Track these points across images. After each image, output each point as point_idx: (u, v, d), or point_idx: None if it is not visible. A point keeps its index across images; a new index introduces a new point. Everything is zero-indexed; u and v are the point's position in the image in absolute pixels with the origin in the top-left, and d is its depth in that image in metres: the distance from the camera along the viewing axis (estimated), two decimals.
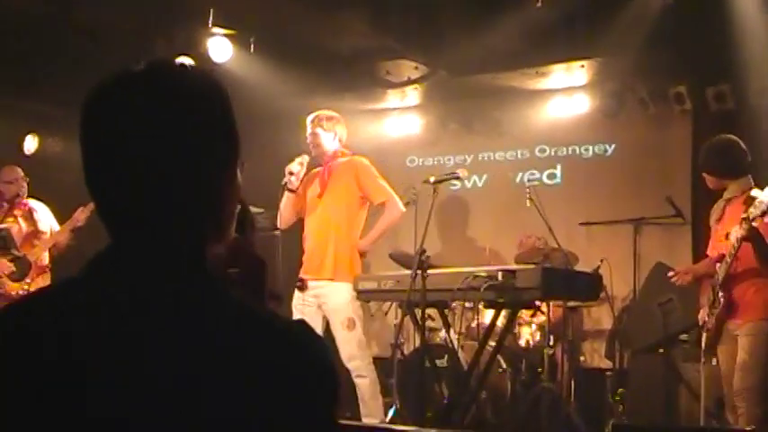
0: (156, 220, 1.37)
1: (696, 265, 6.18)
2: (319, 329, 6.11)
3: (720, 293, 5.41)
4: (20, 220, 7.77)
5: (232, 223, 1.48)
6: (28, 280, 7.55)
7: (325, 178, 6.56)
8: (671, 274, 5.97)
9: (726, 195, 5.66)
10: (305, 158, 6.57)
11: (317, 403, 1.32)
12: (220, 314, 1.33)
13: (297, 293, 6.46)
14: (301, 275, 6.47)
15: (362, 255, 6.56)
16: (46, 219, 7.87)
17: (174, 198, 1.37)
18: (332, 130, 6.58)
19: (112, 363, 1.27)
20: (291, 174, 6.51)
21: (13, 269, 7.55)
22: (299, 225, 6.68)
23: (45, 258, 7.77)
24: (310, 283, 6.40)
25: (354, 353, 6.22)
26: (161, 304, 1.32)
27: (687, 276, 5.89)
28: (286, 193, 6.57)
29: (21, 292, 7.28)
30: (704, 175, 5.80)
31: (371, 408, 6.23)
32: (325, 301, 6.37)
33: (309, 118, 6.63)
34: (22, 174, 7.79)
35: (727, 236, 5.36)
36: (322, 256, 6.40)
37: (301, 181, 6.61)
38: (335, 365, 1.37)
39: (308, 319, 5.56)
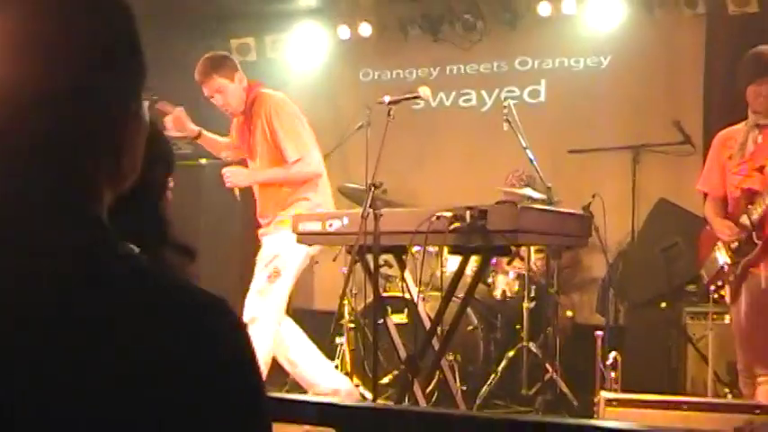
0: (35, 152, 1.20)
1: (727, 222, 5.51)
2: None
3: (756, 236, 5.01)
4: None
5: (137, 164, 1.32)
6: None
7: (246, 136, 6.22)
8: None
9: (759, 120, 5.14)
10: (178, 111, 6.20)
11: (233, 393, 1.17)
12: (112, 276, 1.18)
13: None
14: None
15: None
16: None
17: (60, 127, 1.20)
18: (230, 76, 6.08)
19: None
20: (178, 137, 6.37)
21: None
22: None
23: None
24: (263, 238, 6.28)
25: (264, 310, 5.94)
26: (35, 261, 1.15)
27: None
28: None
29: None
30: (752, 88, 5.19)
31: None
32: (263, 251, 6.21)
33: (197, 74, 6.11)
34: None
35: (761, 169, 5.01)
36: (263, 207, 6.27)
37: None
38: (255, 354, 1.22)
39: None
